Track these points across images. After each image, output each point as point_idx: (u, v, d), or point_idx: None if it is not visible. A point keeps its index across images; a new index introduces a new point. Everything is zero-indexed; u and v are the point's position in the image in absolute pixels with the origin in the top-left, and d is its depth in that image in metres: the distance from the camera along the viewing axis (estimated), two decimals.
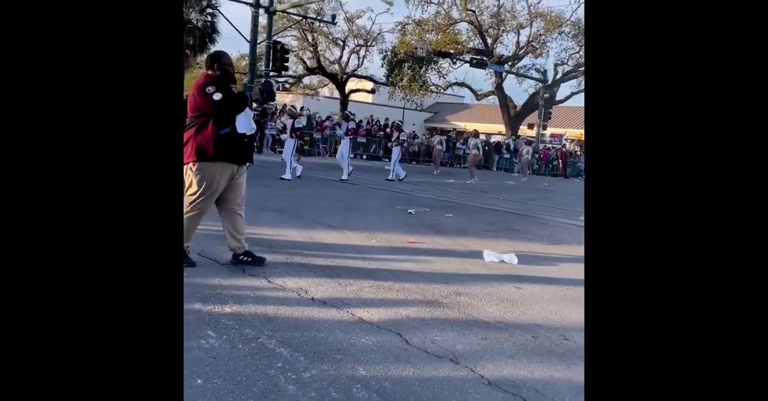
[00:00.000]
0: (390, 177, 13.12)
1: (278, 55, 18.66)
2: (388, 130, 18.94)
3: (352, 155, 14.28)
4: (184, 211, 3.80)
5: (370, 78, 31.79)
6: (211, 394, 2.16)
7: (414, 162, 23.40)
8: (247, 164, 4.07)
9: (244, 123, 3.84)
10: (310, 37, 29.40)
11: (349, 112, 15.54)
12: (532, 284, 4.38)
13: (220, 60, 3.89)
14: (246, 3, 19.40)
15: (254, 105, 4.15)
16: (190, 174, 3.79)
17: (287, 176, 10.75)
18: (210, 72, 3.86)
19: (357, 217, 7.07)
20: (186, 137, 3.76)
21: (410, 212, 7.82)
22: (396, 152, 13.82)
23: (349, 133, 13.04)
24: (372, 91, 34.49)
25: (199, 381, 2.26)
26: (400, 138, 14.20)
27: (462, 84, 30.97)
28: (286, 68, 20.06)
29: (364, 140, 23.04)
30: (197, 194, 3.78)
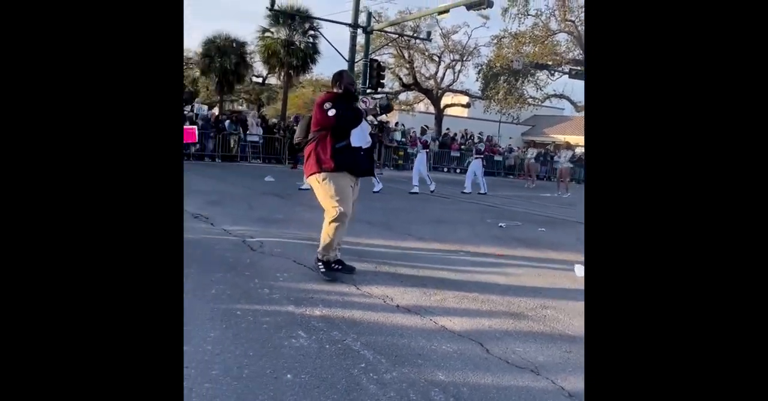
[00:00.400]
0: (482, 191, 12.96)
1: (374, 72, 19.22)
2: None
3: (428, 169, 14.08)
4: (328, 223, 4.04)
5: (465, 92, 31.78)
6: (299, 388, 2.33)
7: (510, 176, 22.99)
8: (365, 176, 4.33)
9: (359, 137, 4.09)
10: (406, 54, 29.95)
11: (426, 126, 15.48)
12: None
13: (342, 79, 4.22)
14: (345, 24, 20.22)
15: (371, 118, 4.39)
16: (318, 186, 4.07)
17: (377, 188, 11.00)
18: (334, 90, 4.21)
19: (446, 229, 7.13)
20: (308, 150, 4.12)
21: (501, 226, 7.75)
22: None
23: (424, 145, 12.91)
24: (467, 106, 34.37)
25: (288, 376, 2.45)
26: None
27: (561, 96, 30.08)
28: (382, 85, 20.57)
29: (458, 153, 23.01)
30: (335, 200, 4.00)
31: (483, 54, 29.49)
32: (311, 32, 24.92)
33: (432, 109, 31.98)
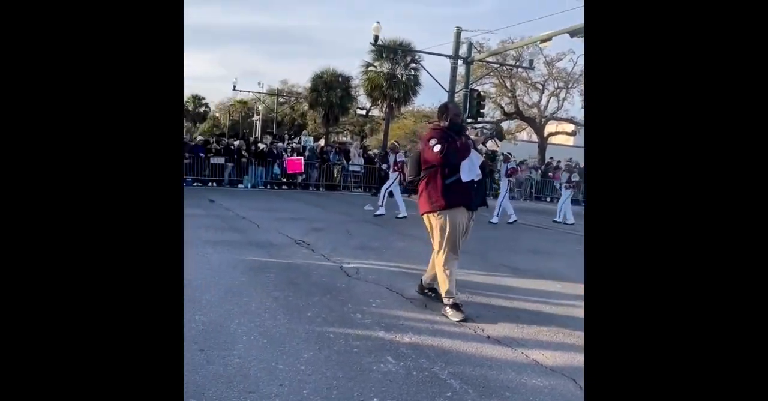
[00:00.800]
0: (556, 218, 12.18)
1: (474, 102, 19.25)
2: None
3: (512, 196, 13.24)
4: (441, 267, 4.00)
5: (570, 120, 30.80)
6: None
7: None
8: (480, 207, 4.23)
9: (469, 170, 4.01)
10: (508, 83, 29.72)
11: (508, 153, 14.79)
12: None
13: (447, 111, 4.21)
14: (446, 55, 20.54)
15: (481, 147, 4.34)
16: (432, 224, 4.06)
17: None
18: (440, 123, 4.19)
19: (542, 260, 6.91)
20: (420, 187, 4.12)
21: None
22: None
23: (507, 173, 11.93)
24: (573, 134, 33.26)
25: (375, 399, 2.50)
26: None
27: None
28: (482, 114, 20.53)
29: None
30: (448, 238, 3.98)
31: None
32: (413, 65, 25.56)
33: (535, 138, 31.28)
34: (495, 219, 11.13)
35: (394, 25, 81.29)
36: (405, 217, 10.36)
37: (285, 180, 16.95)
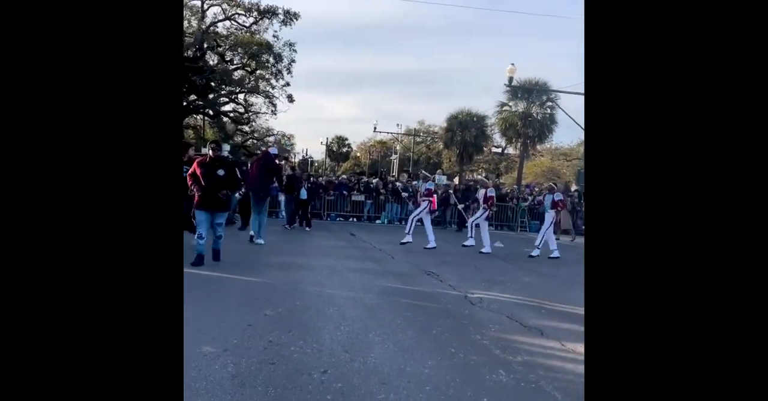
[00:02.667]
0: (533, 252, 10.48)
1: None
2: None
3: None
4: None
5: None
6: None
7: None
8: None
9: None
10: None
11: (553, 183, 13.63)
12: None
13: None
14: (580, 94, 20.39)
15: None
16: None
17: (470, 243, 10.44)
18: None
19: None
20: None
21: None
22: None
23: (554, 205, 10.70)
24: None
25: (485, 399, 2.98)
26: (487, 194, 10.60)
27: None
28: None
29: None
30: None
31: None
32: (549, 103, 25.54)
33: None
34: (536, 251, 10.34)
35: (531, 63, 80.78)
36: (434, 247, 10.15)
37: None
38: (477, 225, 10.85)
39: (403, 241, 10.38)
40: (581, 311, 5.54)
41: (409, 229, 10.56)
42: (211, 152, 6.79)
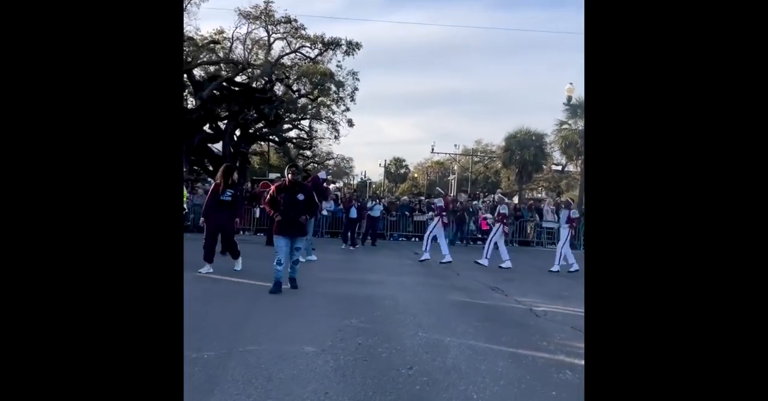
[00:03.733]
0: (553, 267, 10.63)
1: None
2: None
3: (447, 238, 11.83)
4: None
5: None
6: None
7: None
8: None
9: None
10: None
11: (570, 199, 13.55)
12: None
13: None
14: None
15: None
16: None
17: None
18: None
19: None
20: None
21: None
22: (433, 223, 11.00)
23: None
24: None
25: (553, 392, 3.39)
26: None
27: None
28: None
29: None
30: None
31: None
32: None
33: None
34: (556, 267, 10.46)
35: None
36: (450, 262, 10.28)
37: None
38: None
39: (421, 259, 10.61)
40: None
41: (426, 247, 10.76)
42: (291, 175, 6.70)
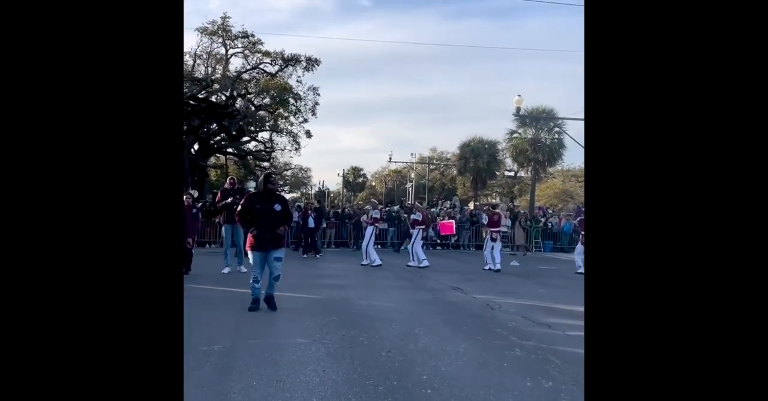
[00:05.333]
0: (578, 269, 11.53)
1: None
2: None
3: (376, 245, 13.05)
4: None
5: None
6: (515, 375, 4.07)
7: None
8: None
9: None
10: None
11: (581, 205, 15.10)
12: None
13: None
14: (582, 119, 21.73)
15: None
16: None
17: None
18: None
19: None
20: None
21: None
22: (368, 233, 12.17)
23: (371, 221, 12.35)
24: None
25: (505, 364, 4.19)
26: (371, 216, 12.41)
27: None
28: None
29: None
30: None
31: None
32: (556, 129, 26.85)
33: None
34: (581, 269, 11.42)
35: (542, 85, 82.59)
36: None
37: (439, 241, 18.98)
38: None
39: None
40: (582, 311, 6.73)
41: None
42: (267, 185, 6.08)
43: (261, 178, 6.38)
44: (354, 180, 64.96)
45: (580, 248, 11.75)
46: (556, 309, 6.84)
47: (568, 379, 3.88)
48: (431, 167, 49.50)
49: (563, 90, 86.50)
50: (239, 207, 6.15)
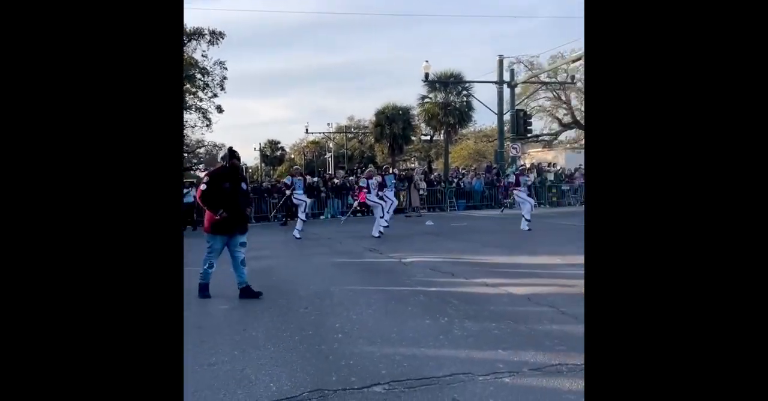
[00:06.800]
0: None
1: (521, 121, 21.21)
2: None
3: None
4: None
5: None
6: (376, 311, 4.63)
7: None
8: None
9: None
10: (562, 96, 31.08)
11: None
12: None
13: None
14: (491, 82, 22.71)
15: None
16: None
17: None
18: None
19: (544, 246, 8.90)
20: None
21: None
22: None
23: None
24: None
25: (410, 308, 4.75)
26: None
27: None
28: (530, 131, 22.41)
29: None
30: None
31: None
32: (464, 92, 27.81)
33: None
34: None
35: (451, 49, 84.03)
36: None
37: (359, 208, 19.53)
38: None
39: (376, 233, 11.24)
40: (486, 259, 7.48)
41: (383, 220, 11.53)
42: (232, 160, 5.50)
43: (224, 153, 5.68)
44: (272, 154, 63.95)
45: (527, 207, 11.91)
46: (461, 261, 7.54)
47: (462, 315, 4.50)
48: (349, 135, 49.69)
49: (472, 53, 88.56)
50: (204, 186, 5.42)
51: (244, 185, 5.63)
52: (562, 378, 3.03)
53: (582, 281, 5.92)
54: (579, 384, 2.90)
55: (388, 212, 12.04)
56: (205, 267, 5.53)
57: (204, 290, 5.53)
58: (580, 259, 7.86)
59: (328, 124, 49.19)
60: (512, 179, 13.03)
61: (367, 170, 13.67)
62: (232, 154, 5.53)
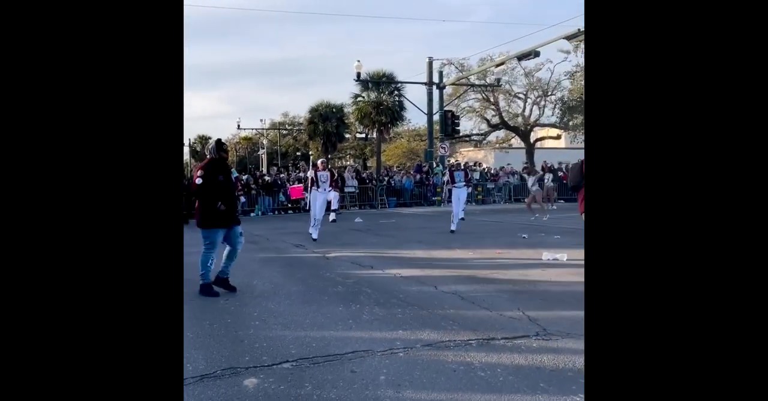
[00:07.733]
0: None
1: (449, 121, 22.02)
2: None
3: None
4: None
5: (554, 125, 33.17)
6: (343, 297, 4.99)
7: None
8: None
9: None
10: (491, 97, 32.19)
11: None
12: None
13: None
14: (422, 83, 23.42)
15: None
16: None
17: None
18: None
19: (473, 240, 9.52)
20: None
21: (523, 237, 9.95)
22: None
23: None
24: (558, 138, 35.57)
25: (325, 297, 5.11)
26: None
27: None
28: (458, 132, 23.30)
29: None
30: None
31: (565, 87, 30.83)
32: (396, 92, 28.41)
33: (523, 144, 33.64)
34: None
35: (385, 47, 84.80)
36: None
37: (290, 205, 19.67)
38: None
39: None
40: (405, 254, 7.95)
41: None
42: (220, 152, 5.55)
43: (212, 145, 5.63)
44: (202, 150, 62.41)
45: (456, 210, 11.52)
46: (382, 255, 7.98)
47: (372, 302, 4.91)
48: (284, 132, 49.34)
49: (405, 52, 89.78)
50: (200, 180, 5.27)
51: (233, 177, 5.75)
52: (448, 352, 3.49)
53: (486, 271, 6.53)
54: (464, 357, 3.36)
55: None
56: (208, 265, 5.46)
57: (208, 290, 5.39)
58: (492, 252, 8.57)
59: (262, 120, 48.64)
60: (446, 177, 12.84)
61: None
62: (219, 146, 5.60)
